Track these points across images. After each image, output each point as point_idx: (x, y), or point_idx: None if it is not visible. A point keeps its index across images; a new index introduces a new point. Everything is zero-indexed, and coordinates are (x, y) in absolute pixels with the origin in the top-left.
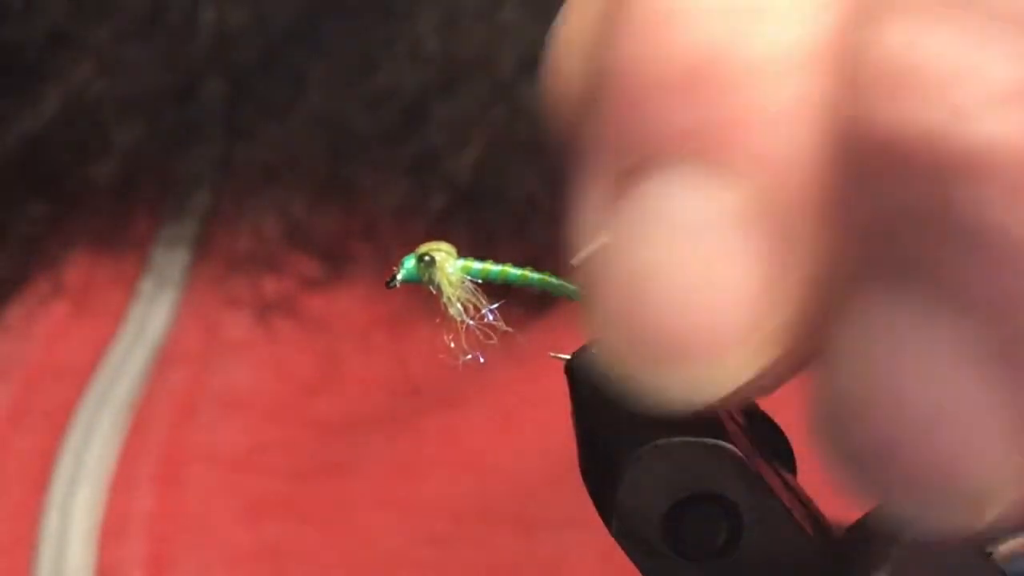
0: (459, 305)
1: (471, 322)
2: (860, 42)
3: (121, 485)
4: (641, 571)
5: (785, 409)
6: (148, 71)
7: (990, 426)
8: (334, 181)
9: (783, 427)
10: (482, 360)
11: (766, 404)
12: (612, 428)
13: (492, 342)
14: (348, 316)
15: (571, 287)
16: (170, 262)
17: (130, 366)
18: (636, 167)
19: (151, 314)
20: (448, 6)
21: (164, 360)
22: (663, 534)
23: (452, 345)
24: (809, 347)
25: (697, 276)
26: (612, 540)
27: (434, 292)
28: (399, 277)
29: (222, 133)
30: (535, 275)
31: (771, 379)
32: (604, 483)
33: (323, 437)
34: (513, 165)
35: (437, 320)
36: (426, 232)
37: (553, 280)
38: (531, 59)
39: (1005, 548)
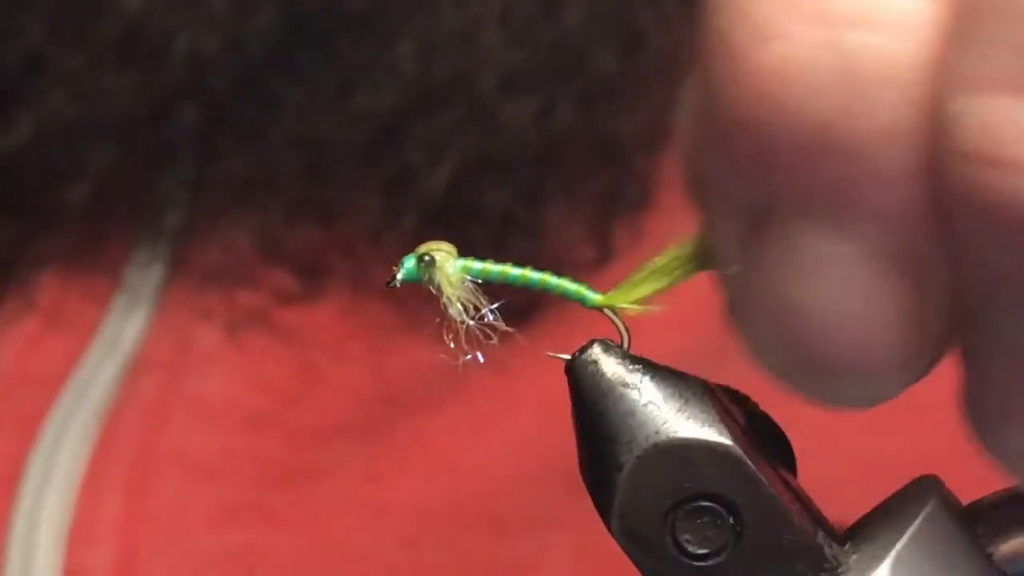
0: (459, 305)
1: (471, 322)
2: (952, 115)
3: (90, 490)
4: (641, 571)
5: (785, 409)
6: (122, 97)
7: None
8: (309, 199)
9: (783, 427)
10: (482, 360)
11: (766, 404)
12: (612, 428)
13: (492, 342)
14: (323, 328)
15: (571, 287)
16: (143, 279)
17: (102, 375)
18: (770, 211)
19: (124, 326)
20: (426, 31)
21: (136, 369)
22: (663, 534)
23: (452, 345)
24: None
25: (846, 308)
26: (587, 540)
27: (434, 292)
28: (399, 277)
29: (195, 155)
30: (535, 275)
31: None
32: (604, 483)
33: (295, 445)
34: (487, 182)
35: (434, 324)
36: (400, 249)
37: (553, 280)
38: (509, 81)
39: (1005, 548)
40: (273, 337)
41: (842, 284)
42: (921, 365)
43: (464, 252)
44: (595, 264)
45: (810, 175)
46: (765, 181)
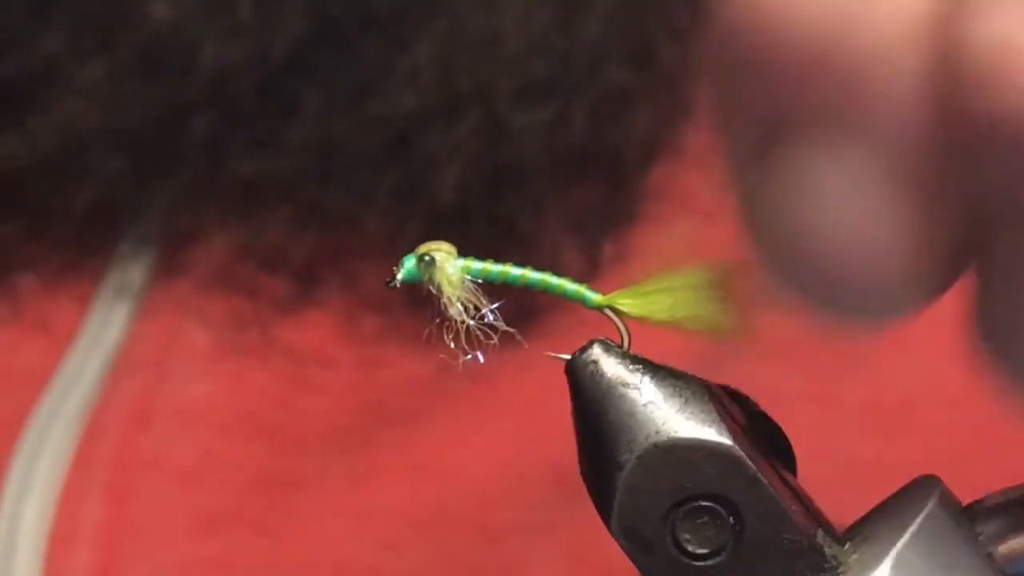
0: (459, 305)
1: (471, 322)
2: (959, 31)
3: (71, 494)
4: (641, 571)
5: (785, 409)
6: (142, 107)
7: None
8: (312, 206)
9: (783, 427)
10: (482, 360)
11: (765, 403)
12: (612, 428)
13: (492, 342)
14: (311, 336)
15: (571, 287)
16: (130, 274)
17: (84, 375)
18: (779, 125)
19: (107, 325)
20: (448, 36)
21: (119, 369)
22: (663, 534)
23: (452, 345)
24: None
25: (854, 224)
26: (575, 544)
27: (434, 292)
28: (399, 277)
29: (206, 161)
30: (535, 275)
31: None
32: (604, 483)
33: (277, 451)
34: (493, 190)
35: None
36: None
37: (553, 280)
38: (525, 90)
39: (1005, 548)
40: (259, 343)
41: (849, 200)
42: (932, 282)
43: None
44: (581, 278)
45: (814, 87)
46: (773, 94)
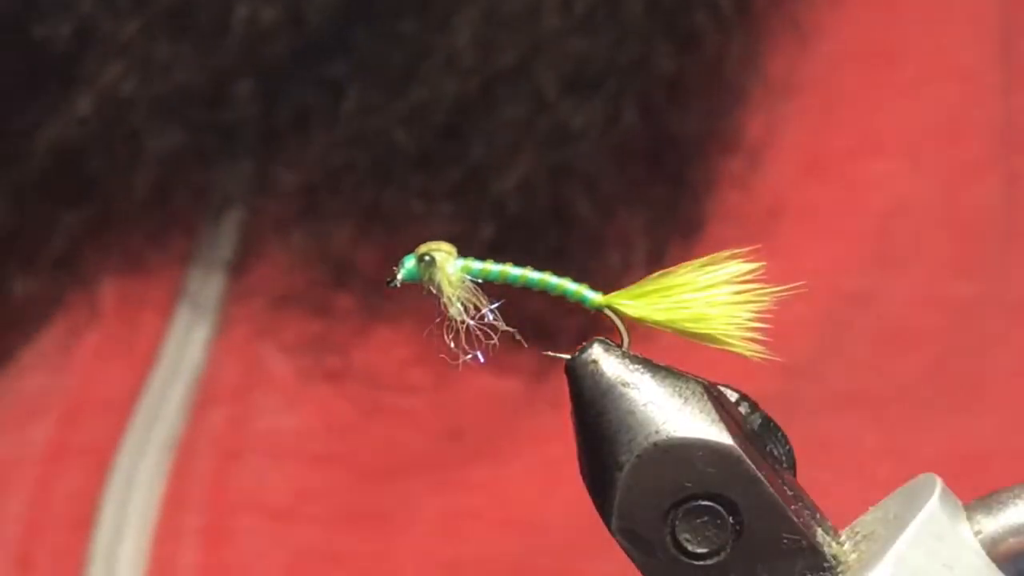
0: (459, 305)
1: (471, 322)
2: None
3: (166, 535)
4: (641, 570)
5: (784, 409)
6: (178, 69)
7: None
8: (376, 210)
9: (782, 427)
10: (482, 360)
11: (765, 403)
12: (612, 427)
13: (492, 342)
14: (389, 357)
15: (571, 287)
16: (205, 288)
17: (169, 403)
18: None
19: (188, 346)
20: (485, 12)
21: (203, 398)
22: (663, 533)
23: (452, 345)
24: None
25: None
26: None
27: (434, 292)
28: (399, 277)
29: (257, 142)
30: (535, 275)
31: None
32: (604, 482)
33: (365, 483)
34: (558, 187)
35: (437, 319)
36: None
37: (553, 280)
38: (573, 77)
39: (1005, 548)
40: (338, 364)
41: None
42: None
43: (527, 262)
44: (647, 273)
45: None
46: None
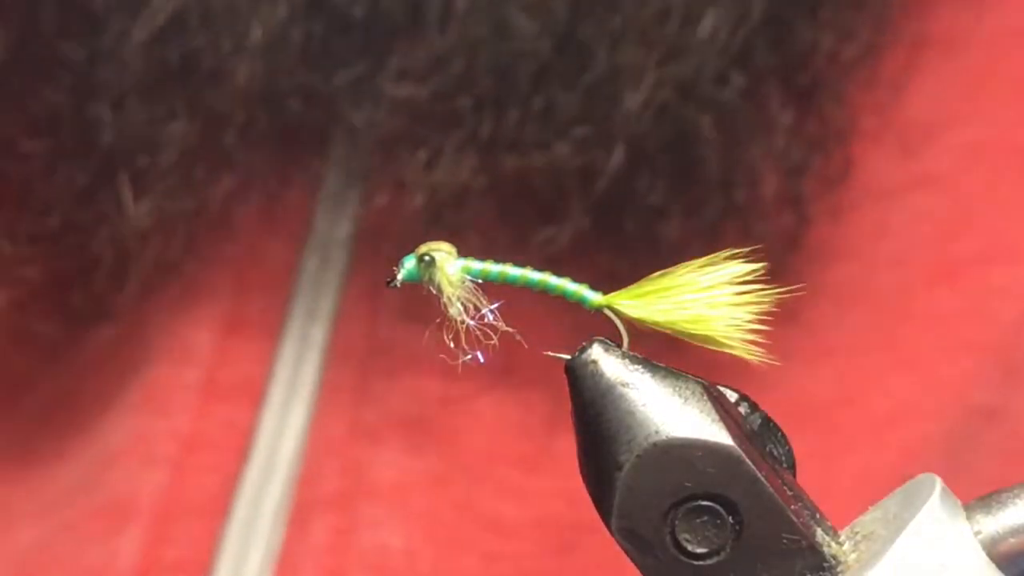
0: (459, 305)
1: (471, 322)
2: None
3: None
4: (641, 570)
5: (784, 409)
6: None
7: None
8: (497, 136)
9: (782, 428)
10: (482, 360)
11: (765, 404)
12: (612, 427)
13: (492, 342)
14: (480, 438)
15: (571, 287)
16: (304, 346)
17: (267, 501)
18: None
19: (283, 433)
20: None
21: (304, 500)
22: (663, 533)
23: (452, 345)
24: None
25: None
26: None
27: (434, 292)
28: (399, 277)
29: (364, 52)
30: (535, 275)
31: None
32: (604, 482)
33: None
34: (689, 110)
35: (437, 320)
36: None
37: (553, 280)
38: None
39: (1005, 548)
40: (440, 453)
41: None
42: None
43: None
44: (791, 235)
45: None
46: None
